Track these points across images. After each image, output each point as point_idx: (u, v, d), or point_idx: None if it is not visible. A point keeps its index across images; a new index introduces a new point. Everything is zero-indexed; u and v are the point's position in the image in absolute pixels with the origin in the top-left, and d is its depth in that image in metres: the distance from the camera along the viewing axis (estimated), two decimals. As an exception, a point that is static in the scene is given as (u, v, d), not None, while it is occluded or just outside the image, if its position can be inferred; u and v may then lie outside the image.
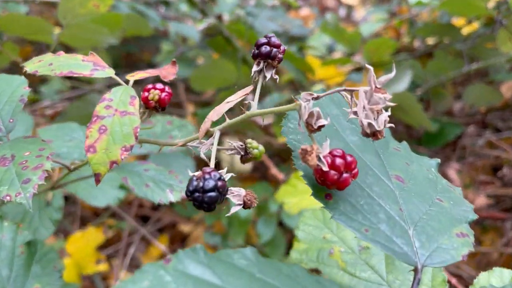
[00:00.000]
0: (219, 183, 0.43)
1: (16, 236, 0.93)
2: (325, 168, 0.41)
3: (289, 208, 1.27)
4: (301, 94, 0.44)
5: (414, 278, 0.44)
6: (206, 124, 0.50)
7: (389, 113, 0.40)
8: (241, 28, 1.63)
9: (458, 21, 1.95)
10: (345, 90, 0.42)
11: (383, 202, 0.47)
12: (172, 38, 1.94)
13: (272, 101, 1.50)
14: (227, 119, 0.50)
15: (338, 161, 0.42)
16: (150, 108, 0.56)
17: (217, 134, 0.49)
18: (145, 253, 1.68)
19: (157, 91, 0.55)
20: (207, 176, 0.42)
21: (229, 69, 1.55)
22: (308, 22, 2.61)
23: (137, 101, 0.54)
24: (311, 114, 0.42)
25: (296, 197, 1.28)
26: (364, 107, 0.40)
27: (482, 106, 1.95)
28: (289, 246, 1.52)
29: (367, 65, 0.40)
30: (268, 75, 0.50)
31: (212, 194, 0.42)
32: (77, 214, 1.78)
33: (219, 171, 0.45)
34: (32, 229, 1.05)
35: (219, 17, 1.67)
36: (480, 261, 1.53)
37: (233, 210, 0.45)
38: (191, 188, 0.42)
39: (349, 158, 0.43)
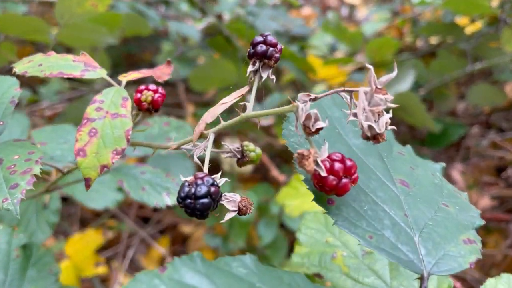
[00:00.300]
0: (212, 188, 0.40)
1: (12, 239, 0.91)
2: (323, 173, 0.39)
3: (290, 210, 1.25)
4: (298, 95, 0.42)
5: (420, 287, 0.42)
6: (200, 126, 0.48)
7: (390, 115, 0.38)
8: (241, 27, 1.61)
9: (461, 20, 1.92)
10: (344, 90, 0.40)
11: (387, 207, 0.45)
12: (172, 37, 1.92)
13: (273, 101, 1.47)
14: (221, 121, 0.48)
15: (337, 165, 0.40)
16: (143, 110, 0.55)
17: (211, 137, 0.47)
18: (146, 255, 1.66)
19: (150, 92, 0.53)
20: (199, 181, 0.40)
21: (229, 69, 1.53)
22: (309, 22, 2.59)
23: (129, 103, 0.52)
24: (308, 116, 0.40)
25: (298, 199, 1.26)
26: (364, 109, 0.38)
27: (486, 106, 1.93)
28: (291, 248, 1.51)
29: (367, 65, 0.38)
30: (265, 75, 0.48)
31: (205, 200, 0.40)
32: (77, 216, 1.76)
33: (213, 176, 0.43)
34: (29, 232, 1.04)
35: (219, 16, 1.65)
36: (484, 263, 1.51)
37: (228, 217, 0.43)
38: (182, 195, 0.40)
39: (348, 163, 0.40)
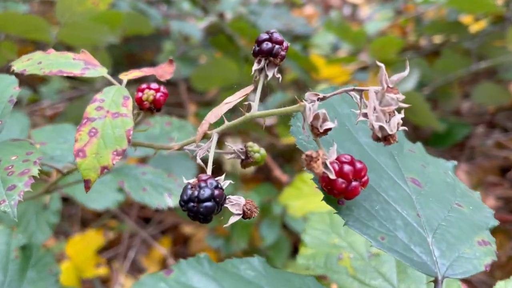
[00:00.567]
0: (216, 191, 0.39)
1: (10, 240, 0.90)
2: (332, 176, 0.38)
3: (294, 211, 1.24)
4: (305, 94, 0.40)
5: (434, 291, 0.40)
6: (203, 127, 0.47)
7: (402, 115, 0.37)
8: (243, 26, 1.60)
9: (466, 18, 1.91)
10: (354, 90, 0.38)
11: (399, 207, 0.43)
12: (174, 37, 1.90)
13: (275, 101, 1.46)
14: (225, 121, 0.47)
15: (347, 168, 0.38)
16: (144, 109, 0.53)
17: (215, 138, 0.46)
18: (147, 256, 1.65)
19: (152, 91, 0.52)
20: (202, 184, 0.39)
21: (231, 68, 1.52)
22: (312, 21, 2.57)
23: (130, 102, 0.51)
24: (316, 116, 0.38)
25: (301, 200, 1.24)
26: (375, 109, 0.36)
27: (491, 106, 1.91)
28: (294, 249, 1.49)
29: (378, 63, 0.36)
30: (270, 74, 0.47)
31: (208, 204, 0.38)
32: (78, 216, 1.75)
33: (217, 178, 0.41)
34: (29, 233, 1.03)
35: (221, 15, 1.64)
36: (489, 265, 1.49)
37: (232, 220, 0.41)
38: (185, 198, 0.39)
39: (358, 165, 0.39)
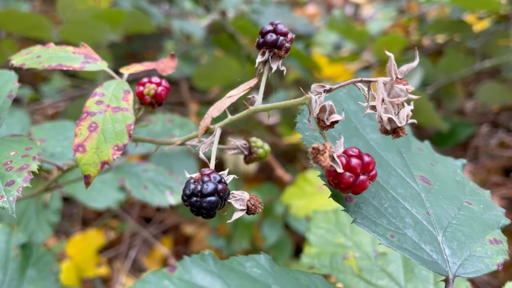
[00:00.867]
0: (220, 186, 0.38)
1: (11, 239, 0.89)
2: (340, 170, 0.36)
3: (296, 210, 1.23)
4: (312, 86, 0.39)
5: (445, 290, 0.39)
6: (206, 121, 0.46)
7: (412, 107, 0.35)
8: (246, 24, 1.58)
9: (469, 18, 1.89)
10: (361, 81, 0.37)
11: (408, 205, 0.42)
12: (176, 36, 1.90)
13: (278, 99, 1.45)
14: (229, 115, 0.46)
15: (354, 161, 0.37)
16: (146, 103, 0.52)
17: (217, 132, 0.45)
18: (148, 256, 1.64)
19: (153, 85, 0.51)
20: (206, 178, 0.37)
21: (232, 66, 1.51)
22: (314, 21, 2.56)
23: (131, 96, 0.50)
24: (322, 109, 0.37)
25: (303, 199, 1.23)
26: (383, 101, 0.35)
27: (495, 105, 1.90)
28: (296, 249, 1.48)
29: (387, 52, 0.35)
30: (274, 67, 0.45)
31: (212, 198, 0.37)
32: (79, 216, 1.74)
33: (220, 173, 0.40)
34: (29, 231, 1.02)
35: (223, 13, 1.63)
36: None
37: (236, 216, 0.40)
38: (188, 192, 0.37)
39: (366, 158, 0.38)
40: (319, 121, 0.38)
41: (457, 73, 1.61)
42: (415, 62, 0.35)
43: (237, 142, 0.52)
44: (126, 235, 1.67)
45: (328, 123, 0.37)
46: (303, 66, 1.67)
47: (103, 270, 1.46)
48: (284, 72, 0.46)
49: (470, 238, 0.41)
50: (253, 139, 0.52)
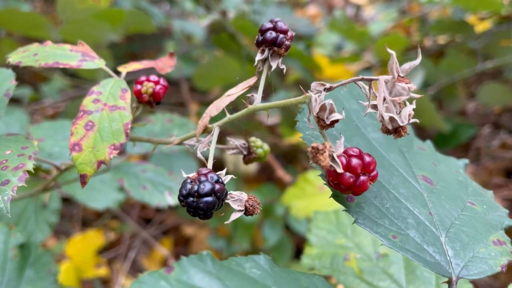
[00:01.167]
0: (217, 186, 0.37)
1: (9, 239, 0.89)
2: (340, 170, 0.36)
3: (296, 211, 1.22)
4: (312, 84, 0.38)
5: (448, 292, 0.38)
6: (204, 120, 0.45)
7: (414, 106, 0.35)
8: (246, 24, 1.58)
9: (471, 18, 1.89)
10: (362, 79, 0.36)
11: (411, 205, 0.41)
12: (176, 36, 1.89)
13: (278, 99, 1.44)
14: (227, 114, 0.45)
15: (355, 161, 0.36)
16: (144, 102, 0.51)
17: (216, 131, 0.44)
18: (148, 257, 1.63)
19: (151, 84, 0.50)
20: (203, 178, 0.37)
21: (233, 67, 1.50)
22: (315, 21, 2.56)
23: (128, 95, 0.49)
24: (322, 107, 0.36)
25: (304, 200, 1.22)
26: (385, 99, 0.34)
27: (496, 106, 1.89)
28: (297, 250, 1.47)
29: (389, 50, 0.34)
30: (274, 65, 0.45)
31: (209, 199, 0.36)
32: (79, 216, 1.73)
33: (218, 173, 0.39)
34: (28, 232, 1.01)
35: (224, 13, 1.62)
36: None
37: (234, 217, 0.39)
38: (184, 192, 0.37)
39: (367, 158, 0.37)
40: (319, 120, 0.37)
41: (459, 74, 1.60)
42: (418, 60, 0.35)
43: (236, 142, 0.51)
44: (126, 236, 1.67)
45: (328, 122, 0.36)
46: (304, 67, 1.66)
47: (102, 271, 1.45)
48: (284, 71, 0.45)
49: (473, 239, 0.40)
50: (253, 139, 0.51)
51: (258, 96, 0.43)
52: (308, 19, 2.27)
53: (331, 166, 0.36)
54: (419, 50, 0.35)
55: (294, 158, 1.78)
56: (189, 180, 0.38)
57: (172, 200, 0.73)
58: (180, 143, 0.50)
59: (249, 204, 0.40)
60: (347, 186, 0.37)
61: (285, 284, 0.44)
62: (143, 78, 0.51)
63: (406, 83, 0.34)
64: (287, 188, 1.33)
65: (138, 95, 0.51)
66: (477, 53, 1.60)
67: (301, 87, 0.39)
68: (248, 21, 1.62)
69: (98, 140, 0.46)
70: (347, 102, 0.50)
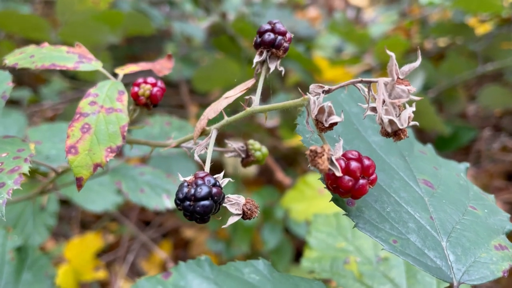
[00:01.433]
0: (214, 189, 0.36)
1: (6, 242, 0.88)
2: (338, 173, 0.35)
3: (296, 214, 1.21)
4: (310, 86, 0.38)
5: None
6: (202, 122, 0.44)
7: (413, 108, 0.34)
8: (246, 27, 1.57)
9: (471, 21, 1.88)
10: (362, 81, 0.36)
11: (412, 209, 0.41)
12: (176, 38, 1.89)
13: (278, 102, 1.43)
14: (225, 116, 0.44)
15: (354, 164, 0.36)
16: (141, 104, 0.50)
17: (213, 134, 0.43)
18: (148, 259, 1.63)
19: (148, 86, 0.49)
20: (199, 181, 0.36)
21: (233, 69, 1.49)
22: (315, 23, 2.55)
23: (125, 97, 0.49)
24: (321, 110, 0.36)
25: (303, 203, 1.22)
26: (384, 102, 0.34)
27: (497, 109, 1.88)
28: (297, 253, 1.47)
29: (388, 52, 0.34)
30: (272, 67, 0.44)
31: (206, 203, 0.35)
32: (77, 219, 1.73)
33: (215, 176, 0.39)
34: (26, 234, 1.01)
35: (223, 15, 1.62)
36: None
37: (231, 221, 0.39)
38: (180, 196, 0.36)
39: (366, 162, 0.36)
40: (318, 122, 0.36)
41: (459, 76, 1.59)
42: (417, 62, 0.34)
43: (234, 144, 0.51)
44: (125, 238, 1.66)
45: (327, 125, 0.36)
46: (304, 69, 1.66)
47: (101, 274, 1.45)
48: (283, 73, 0.44)
49: (474, 244, 0.40)
50: (251, 141, 0.51)
51: (256, 98, 0.42)
52: (308, 21, 2.27)
53: (329, 169, 0.35)
54: (419, 52, 0.34)
55: (294, 161, 1.78)
56: (186, 184, 0.37)
57: (170, 203, 0.73)
58: (178, 146, 0.50)
59: (246, 208, 0.39)
60: (346, 189, 0.36)
61: (284, 289, 0.43)
62: (140, 80, 0.51)
63: (405, 85, 0.33)
64: (286, 191, 1.33)
65: (135, 97, 0.50)
66: (478, 55, 1.60)
67: (300, 90, 0.38)
68: (248, 23, 1.62)
69: (94, 142, 0.45)
70: (347, 105, 0.49)
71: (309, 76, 1.68)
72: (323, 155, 0.34)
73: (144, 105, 0.51)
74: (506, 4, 1.49)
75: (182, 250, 1.70)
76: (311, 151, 0.35)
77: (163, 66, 0.57)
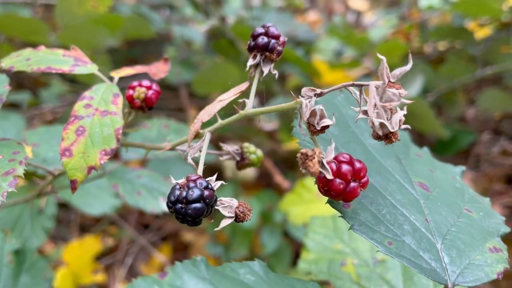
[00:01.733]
0: (206, 192, 0.36)
1: (4, 244, 0.88)
2: (329, 176, 0.35)
3: (294, 218, 1.21)
4: (302, 89, 0.38)
5: (444, 299, 0.38)
6: (195, 125, 0.45)
7: (404, 111, 0.34)
8: (245, 30, 1.58)
9: (470, 25, 1.89)
10: (353, 85, 0.36)
11: (407, 212, 0.41)
12: (176, 41, 1.89)
13: (277, 104, 1.44)
14: (219, 119, 0.44)
15: (345, 167, 0.36)
16: (136, 107, 0.51)
17: (207, 137, 0.44)
18: (147, 263, 1.62)
19: (143, 89, 0.50)
20: (191, 184, 0.36)
21: (232, 72, 1.50)
22: (315, 27, 2.56)
23: (120, 100, 0.49)
24: (313, 113, 0.36)
25: (301, 206, 1.22)
26: (375, 105, 0.34)
27: (496, 113, 1.88)
28: (295, 256, 1.46)
29: (379, 55, 0.34)
30: (266, 70, 0.44)
31: (197, 205, 0.35)
32: (76, 222, 1.73)
33: (207, 179, 0.39)
34: (24, 237, 1.01)
35: (223, 19, 1.62)
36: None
37: (223, 223, 0.39)
38: (172, 198, 0.36)
39: (357, 165, 0.36)
40: (310, 125, 0.36)
41: (459, 80, 1.60)
42: (409, 66, 0.34)
43: (229, 147, 0.51)
44: (123, 241, 1.66)
45: (318, 128, 0.36)
46: (304, 73, 1.66)
47: (99, 278, 1.45)
48: (276, 76, 0.45)
49: (469, 246, 0.40)
50: (246, 144, 0.51)
51: (249, 101, 0.42)
52: (308, 25, 2.27)
53: (320, 172, 0.35)
54: (410, 56, 0.34)
55: (294, 164, 1.77)
56: (177, 186, 0.37)
57: (166, 206, 0.73)
58: (173, 149, 0.50)
59: (239, 211, 0.39)
60: (337, 192, 0.36)
61: (279, 290, 0.43)
62: (135, 83, 0.51)
63: (397, 89, 0.34)
64: (285, 194, 1.33)
65: (130, 100, 0.50)
66: (477, 59, 1.60)
67: (292, 93, 0.38)
68: (247, 27, 1.62)
69: (89, 145, 0.45)
70: (343, 108, 0.50)
71: (308, 79, 1.68)
72: (314, 158, 0.34)
73: (139, 108, 0.51)
74: (505, 8, 1.50)
75: (181, 254, 1.70)
76: (301, 153, 0.35)
77: (159, 69, 0.57)
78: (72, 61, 0.52)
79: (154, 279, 0.50)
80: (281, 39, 0.44)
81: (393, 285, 0.58)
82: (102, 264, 1.56)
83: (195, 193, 0.36)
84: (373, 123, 0.34)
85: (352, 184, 0.36)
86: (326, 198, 0.40)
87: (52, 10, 2.06)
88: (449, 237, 0.41)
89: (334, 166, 0.36)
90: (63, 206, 1.41)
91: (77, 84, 1.73)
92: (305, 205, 1.21)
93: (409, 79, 1.54)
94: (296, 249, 1.49)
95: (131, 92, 0.50)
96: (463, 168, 0.53)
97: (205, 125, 0.46)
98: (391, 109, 0.34)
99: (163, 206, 0.72)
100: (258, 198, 1.46)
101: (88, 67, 0.52)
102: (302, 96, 0.38)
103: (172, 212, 0.37)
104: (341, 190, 0.36)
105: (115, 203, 1.12)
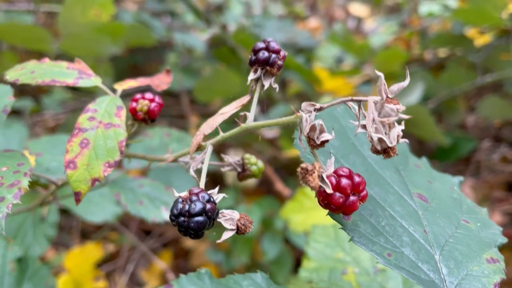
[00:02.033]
0: (208, 205, 0.37)
1: (6, 253, 0.89)
2: (329, 190, 0.36)
3: (295, 226, 1.22)
4: (302, 104, 0.38)
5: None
6: (198, 138, 0.45)
7: (402, 126, 0.35)
8: (247, 38, 1.59)
9: (470, 32, 1.90)
10: (352, 100, 0.37)
11: (406, 223, 0.42)
12: (178, 49, 1.90)
13: (278, 113, 1.45)
14: (221, 132, 0.45)
15: (344, 181, 0.36)
16: (139, 120, 0.51)
17: (209, 149, 0.44)
18: (148, 269, 1.63)
19: (146, 102, 0.50)
20: (194, 197, 0.37)
21: (233, 80, 1.51)
22: (316, 34, 2.57)
23: (124, 112, 0.49)
24: (313, 128, 0.36)
25: (302, 214, 1.22)
26: (373, 120, 0.35)
27: (497, 120, 1.89)
28: (296, 264, 1.47)
29: (377, 72, 0.34)
30: (267, 84, 0.45)
31: (199, 219, 0.36)
32: (78, 228, 1.73)
33: (209, 192, 0.40)
34: (26, 245, 1.02)
35: (224, 27, 1.63)
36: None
37: (225, 236, 0.39)
38: (175, 212, 0.37)
39: (356, 179, 0.37)
40: (310, 140, 0.37)
41: (459, 87, 1.60)
42: (406, 82, 0.35)
43: (230, 159, 0.52)
44: (124, 248, 1.66)
45: (318, 142, 0.37)
46: (304, 80, 1.67)
47: (101, 284, 1.45)
48: (277, 89, 0.45)
49: (467, 257, 0.40)
50: (247, 155, 0.51)
51: (251, 115, 0.43)
52: (309, 32, 2.28)
53: (320, 186, 0.36)
54: (408, 72, 0.35)
55: (294, 171, 1.78)
56: (180, 200, 0.38)
57: (168, 215, 0.73)
58: (175, 160, 0.51)
59: (240, 223, 0.40)
60: (337, 206, 0.37)
61: (282, 302, 0.44)
62: (138, 95, 0.52)
63: (394, 104, 0.34)
64: (286, 202, 1.33)
65: (133, 113, 0.51)
66: (477, 66, 1.61)
67: (293, 107, 0.39)
68: (248, 34, 1.63)
69: (92, 157, 0.46)
70: (343, 119, 0.50)
71: (309, 86, 1.69)
72: (314, 172, 0.35)
73: (142, 120, 0.52)
74: (504, 16, 1.50)
75: (182, 260, 1.70)
76: (301, 168, 0.35)
77: (162, 81, 0.58)
78: (76, 73, 0.53)
79: (158, 291, 0.51)
80: (282, 53, 0.45)
81: (393, 294, 0.58)
82: (103, 271, 1.56)
83: (198, 206, 0.36)
84: (371, 138, 0.35)
85: (352, 198, 0.37)
86: (327, 207, 0.41)
87: (54, 16, 2.08)
88: (447, 248, 0.42)
89: (333, 180, 0.37)
90: (65, 212, 1.41)
91: (79, 91, 1.74)
92: (306, 212, 1.22)
93: (410, 86, 1.54)
94: (297, 256, 1.49)
95: (134, 104, 0.51)
96: (461, 178, 0.54)
97: (207, 137, 0.47)
98: (389, 124, 0.35)
99: (164, 216, 0.73)
100: (259, 204, 1.47)
101: (92, 80, 0.53)
102: (302, 111, 0.38)
103: (175, 225, 0.37)
104: (340, 204, 0.37)
105: (116, 210, 1.12)
